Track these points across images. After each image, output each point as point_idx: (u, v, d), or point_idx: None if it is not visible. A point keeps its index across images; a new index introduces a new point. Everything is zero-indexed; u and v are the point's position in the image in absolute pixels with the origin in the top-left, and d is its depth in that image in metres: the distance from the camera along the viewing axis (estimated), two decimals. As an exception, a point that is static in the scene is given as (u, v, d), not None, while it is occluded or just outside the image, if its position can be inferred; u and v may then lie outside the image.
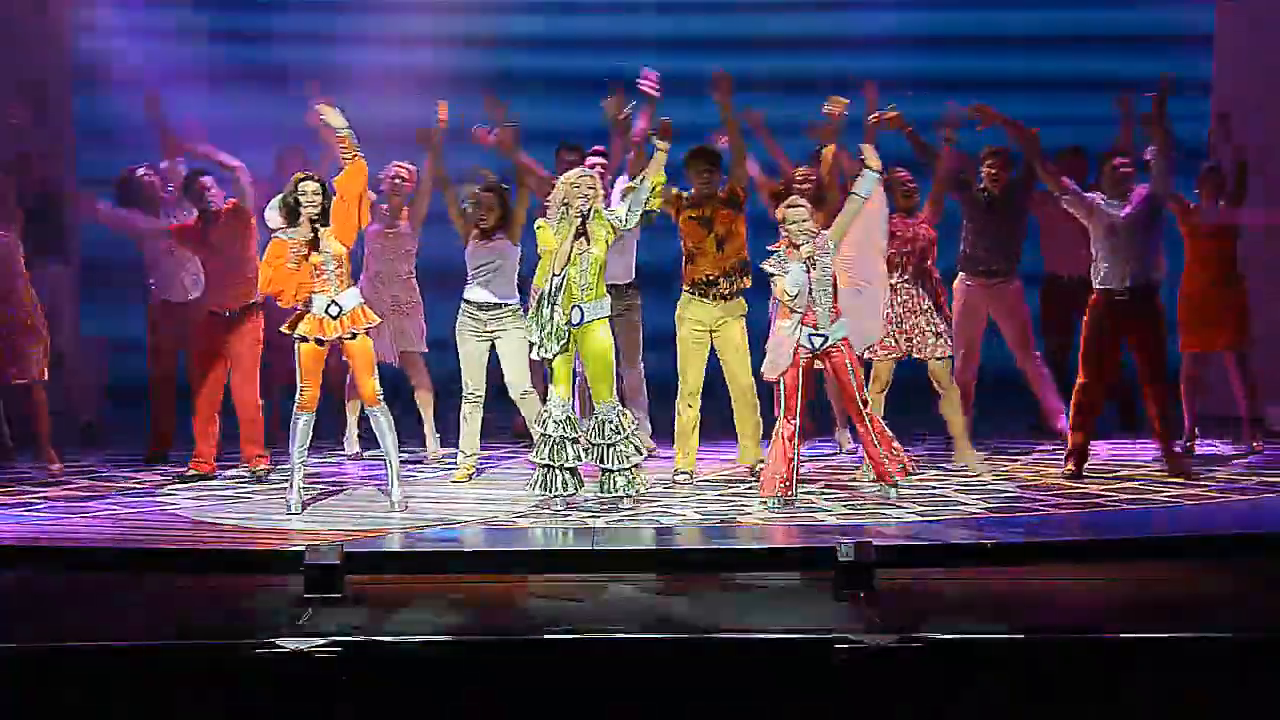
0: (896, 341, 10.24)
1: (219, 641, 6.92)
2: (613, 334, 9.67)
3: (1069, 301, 11.28)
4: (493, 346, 10.26)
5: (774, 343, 9.48)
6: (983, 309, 11.15)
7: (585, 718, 6.66)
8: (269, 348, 10.55)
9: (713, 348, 10.13)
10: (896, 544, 8.47)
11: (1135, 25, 13.66)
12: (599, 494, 9.41)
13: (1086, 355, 10.26)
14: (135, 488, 10.13)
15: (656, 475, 10.02)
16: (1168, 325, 10.38)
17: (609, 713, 6.61)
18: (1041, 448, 11.17)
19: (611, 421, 9.36)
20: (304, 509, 9.34)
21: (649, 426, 10.84)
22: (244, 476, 10.36)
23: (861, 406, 9.42)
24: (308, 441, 9.40)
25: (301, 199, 9.27)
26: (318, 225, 9.28)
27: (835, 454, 11.05)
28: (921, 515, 9.19)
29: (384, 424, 9.43)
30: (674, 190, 9.95)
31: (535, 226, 9.42)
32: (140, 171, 11.11)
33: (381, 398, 9.45)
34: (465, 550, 8.56)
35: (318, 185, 9.33)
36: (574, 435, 9.36)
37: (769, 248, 9.53)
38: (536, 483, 9.41)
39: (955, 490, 9.90)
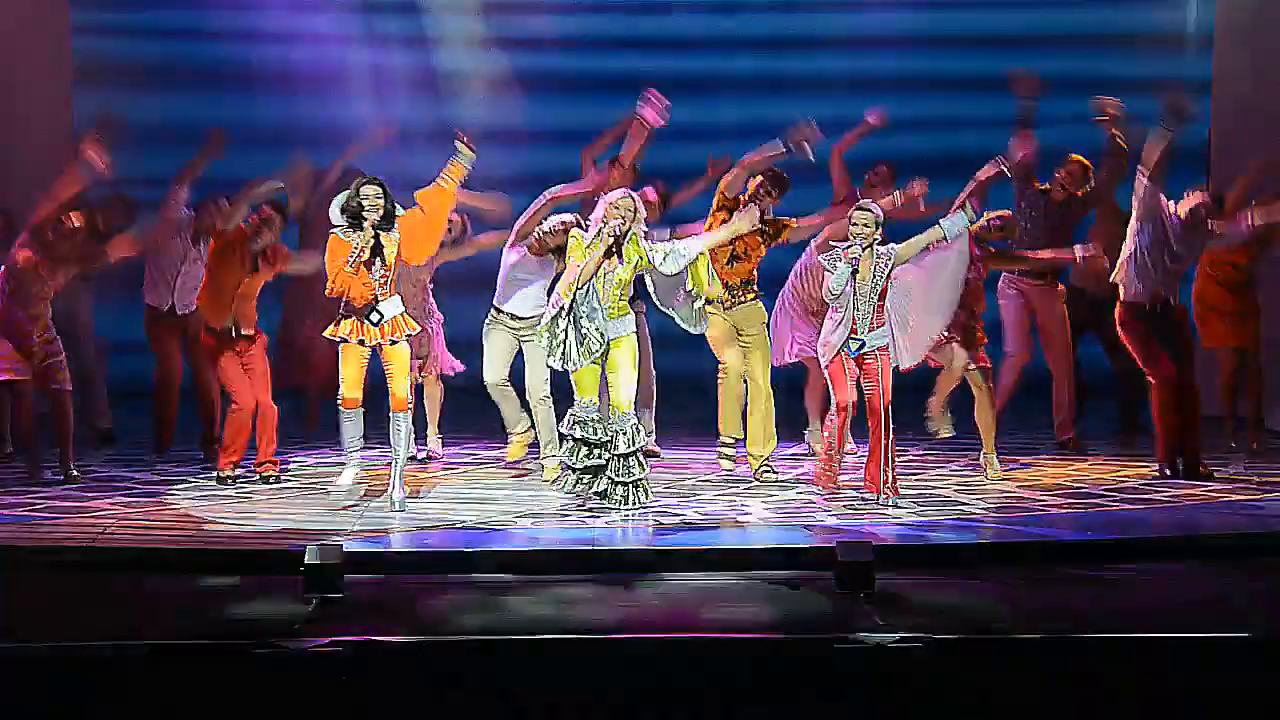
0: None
1: (219, 641, 6.93)
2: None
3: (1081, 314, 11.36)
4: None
5: (824, 332, 9.61)
6: (1026, 311, 11.20)
7: (585, 718, 6.65)
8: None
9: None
10: (896, 544, 8.50)
11: (1136, 25, 13.71)
12: (601, 499, 9.42)
13: (1146, 358, 10.15)
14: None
15: (656, 475, 10.02)
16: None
17: (609, 713, 6.61)
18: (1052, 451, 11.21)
19: (625, 434, 9.37)
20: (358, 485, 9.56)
21: (652, 425, 10.86)
22: (247, 478, 10.32)
23: (883, 415, 9.45)
24: (359, 433, 9.56)
25: (364, 203, 9.22)
26: (379, 230, 9.27)
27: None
28: (921, 515, 9.20)
29: (403, 430, 9.46)
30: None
31: (570, 237, 9.43)
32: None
33: (411, 406, 9.55)
34: (465, 550, 8.56)
35: (379, 189, 9.27)
36: (599, 439, 9.37)
37: (834, 244, 9.65)
38: (564, 484, 9.47)
39: (955, 490, 9.91)
